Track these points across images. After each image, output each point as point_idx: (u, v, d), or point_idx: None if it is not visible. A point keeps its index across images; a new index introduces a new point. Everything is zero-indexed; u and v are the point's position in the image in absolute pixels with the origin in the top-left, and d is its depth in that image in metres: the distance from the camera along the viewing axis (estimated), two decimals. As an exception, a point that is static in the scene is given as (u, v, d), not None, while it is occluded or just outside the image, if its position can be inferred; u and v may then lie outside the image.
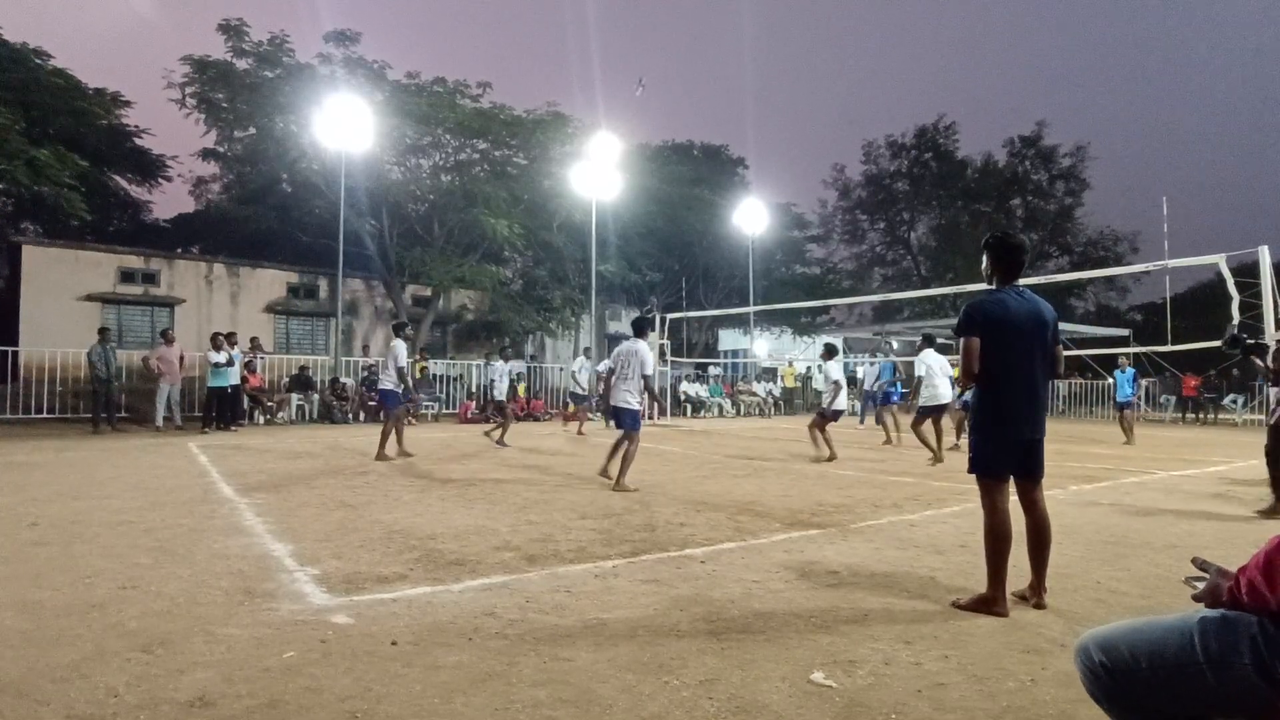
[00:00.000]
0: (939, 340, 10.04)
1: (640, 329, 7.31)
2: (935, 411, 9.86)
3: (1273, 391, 6.38)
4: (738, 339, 31.69)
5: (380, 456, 8.91)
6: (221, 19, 19.23)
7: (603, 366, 15.34)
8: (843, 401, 10.23)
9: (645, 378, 6.99)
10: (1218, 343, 7.59)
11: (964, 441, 9.14)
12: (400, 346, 9.30)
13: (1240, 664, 1.37)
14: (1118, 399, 14.15)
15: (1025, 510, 3.51)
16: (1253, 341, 6.49)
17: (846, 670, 2.68)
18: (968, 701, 2.45)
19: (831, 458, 9.67)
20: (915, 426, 9.92)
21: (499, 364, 11.89)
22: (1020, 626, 3.20)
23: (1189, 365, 21.51)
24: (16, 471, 7.50)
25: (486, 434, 11.44)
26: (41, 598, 3.37)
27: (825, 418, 10.08)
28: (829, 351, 10.54)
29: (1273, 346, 6.70)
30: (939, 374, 9.87)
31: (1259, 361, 6.64)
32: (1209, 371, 22.46)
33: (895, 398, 14.73)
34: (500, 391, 11.78)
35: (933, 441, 9.60)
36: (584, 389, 15.44)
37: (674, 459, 9.80)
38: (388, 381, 9.33)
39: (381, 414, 9.41)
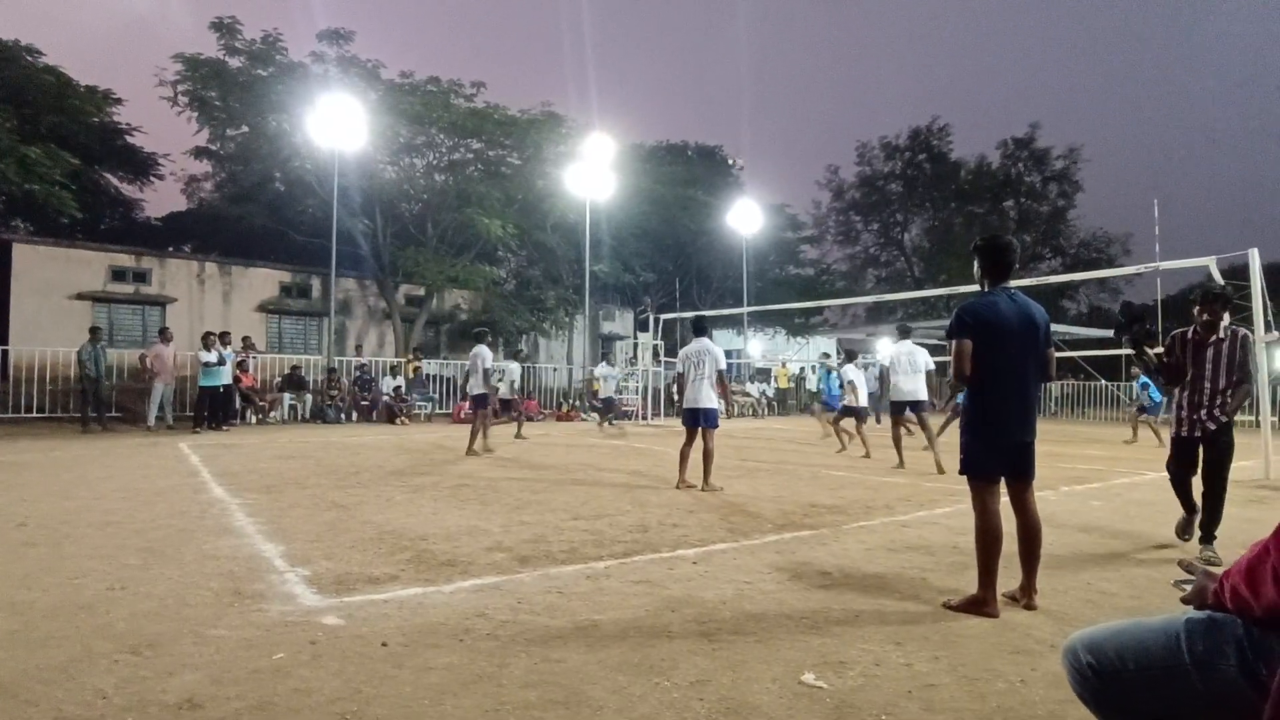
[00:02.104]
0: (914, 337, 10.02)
1: (703, 329, 7.44)
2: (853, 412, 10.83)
3: (1178, 395, 4.91)
4: (731, 339, 31.71)
5: (470, 451, 9.84)
6: (214, 17, 19.16)
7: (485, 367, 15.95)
8: (859, 399, 10.90)
9: (720, 373, 7.11)
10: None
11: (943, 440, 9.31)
12: (485, 352, 10.28)
13: (1226, 666, 1.38)
14: (1144, 404, 13.88)
15: (1016, 511, 3.53)
16: (1150, 328, 4.90)
17: (837, 671, 2.69)
18: (958, 702, 2.46)
19: (841, 449, 10.64)
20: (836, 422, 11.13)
21: (488, 351, 11.96)
22: (1010, 627, 3.21)
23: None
24: (5, 471, 7.45)
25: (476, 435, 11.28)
26: (30, 598, 3.35)
27: (843, 414, 11.10)
28: (849, 356, 11.70)
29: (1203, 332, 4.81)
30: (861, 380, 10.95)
31: (1150, 352, 4.87)
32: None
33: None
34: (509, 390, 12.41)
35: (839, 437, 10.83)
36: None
37: (667, 459, 9.81)
38: (476, 386, 10.26)
39: (474, 413, 10.62)
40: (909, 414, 9.57)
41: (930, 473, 8.41)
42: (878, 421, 15.37)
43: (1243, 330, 4.83)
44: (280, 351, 19.88)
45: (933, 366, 9.21)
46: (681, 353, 7.50)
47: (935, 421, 10.01)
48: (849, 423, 10.86)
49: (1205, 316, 4.76)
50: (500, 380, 12.11)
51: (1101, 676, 1.54)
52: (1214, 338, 4.76)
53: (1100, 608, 3.51)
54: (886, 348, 9.83)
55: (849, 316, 37.61)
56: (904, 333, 9.67)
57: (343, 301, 22.55)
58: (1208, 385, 4.75)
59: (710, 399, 7.11)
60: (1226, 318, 5.12)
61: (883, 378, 15.82)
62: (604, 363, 20.02)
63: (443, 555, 4.28)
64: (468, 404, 11.11)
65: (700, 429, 7.13)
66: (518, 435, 12.66)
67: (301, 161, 20.49)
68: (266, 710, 2.30)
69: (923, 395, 8.95)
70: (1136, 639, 1.51)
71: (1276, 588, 1.31)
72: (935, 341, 28.21)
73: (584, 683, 2.55)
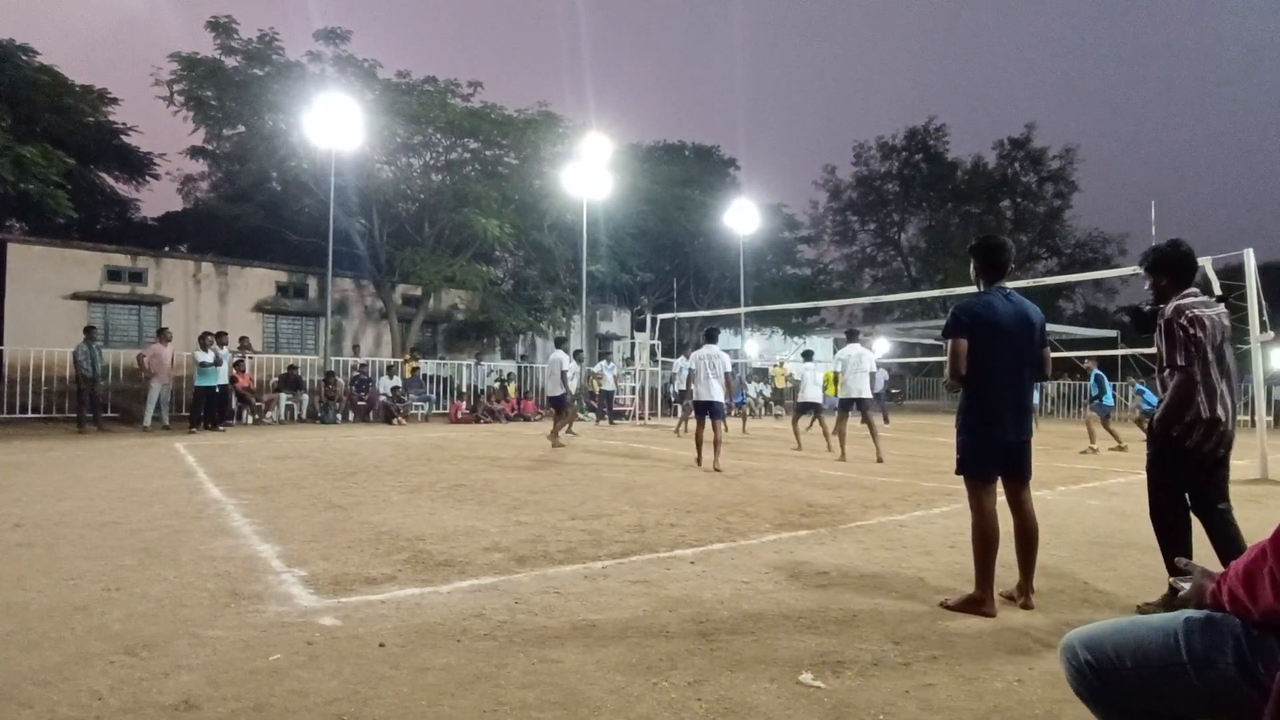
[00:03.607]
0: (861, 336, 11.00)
1: (714, 337, 8.98)
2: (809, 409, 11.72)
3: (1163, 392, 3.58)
4: (729, 340, 31.78)
5: (555, 445, 10.84)
6: (210, 16, 19.12)
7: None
8: (810, 395, 11.78)
9: (727, 374, 8.63)
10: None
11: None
12: (564, 357, 11.38)
13: (1224, 664, 1.38)
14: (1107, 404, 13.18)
15: (1012, 511, 3.53)
16: (1150, 307, 3.84)
17: (835, 671, 2.69)
18: (955, 701, 2.46)
19: (798, 446, 11.29)
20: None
21: (565, 356, 12.11)
22: (1008, 627, 3.22)
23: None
24: (0, 472, 7.42)
25: (555, 432, 11.75)
26: (25, 599, 3.34)
27: (798, 412, 12.01)
28: (806, 356, 12.87)
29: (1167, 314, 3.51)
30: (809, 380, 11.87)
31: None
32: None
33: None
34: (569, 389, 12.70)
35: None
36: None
37: (664, 459, 9.81)
38: (555, 388, 11.35)
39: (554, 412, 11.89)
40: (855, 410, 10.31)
41: (926, 472, 8.44)
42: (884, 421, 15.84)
43: (1171, 306, 3.50)
44: (277, 351, 19.85)
45: (875, 368, 10.59)
46: (694, 355, 9.04)
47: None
48: (803, 420, 11.88)
49: (1148, 286, 3.70)
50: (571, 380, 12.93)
51: (1099, 674, 1.54)
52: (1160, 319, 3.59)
53: (1097, 607, 3.51)
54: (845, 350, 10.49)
55: (846, 316, 37.66)
56: (851, 336, 10.65)
57: (339, 301, 22.53)
58: (1158, 382, 3.68)
59: (719, 394, 8.56)
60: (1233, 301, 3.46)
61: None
62: (603, 361, 20.12)
63: (440, 556, 4.27)
64: (548, 404, 12.47)
65: (711, 419, 8.56)
66: (568, 429, 13.41)
67: (298, 161, 20.45)
68: (263, 711, 2.29)
69: (868, 393, 10.07)
70: (1135, 637, 1.51)
71: (1275, 594, 1.31)
72: (931, 341, 28.31)
73: (582, 683, 2.54)
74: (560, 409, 11.51)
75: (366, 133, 18.60)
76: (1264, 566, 1.34)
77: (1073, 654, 1.60)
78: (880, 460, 9.42)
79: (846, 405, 10.08)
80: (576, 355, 15.85)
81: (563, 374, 11.21)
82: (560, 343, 12.32)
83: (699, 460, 8.59)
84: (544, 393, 12.90)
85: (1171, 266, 3.56)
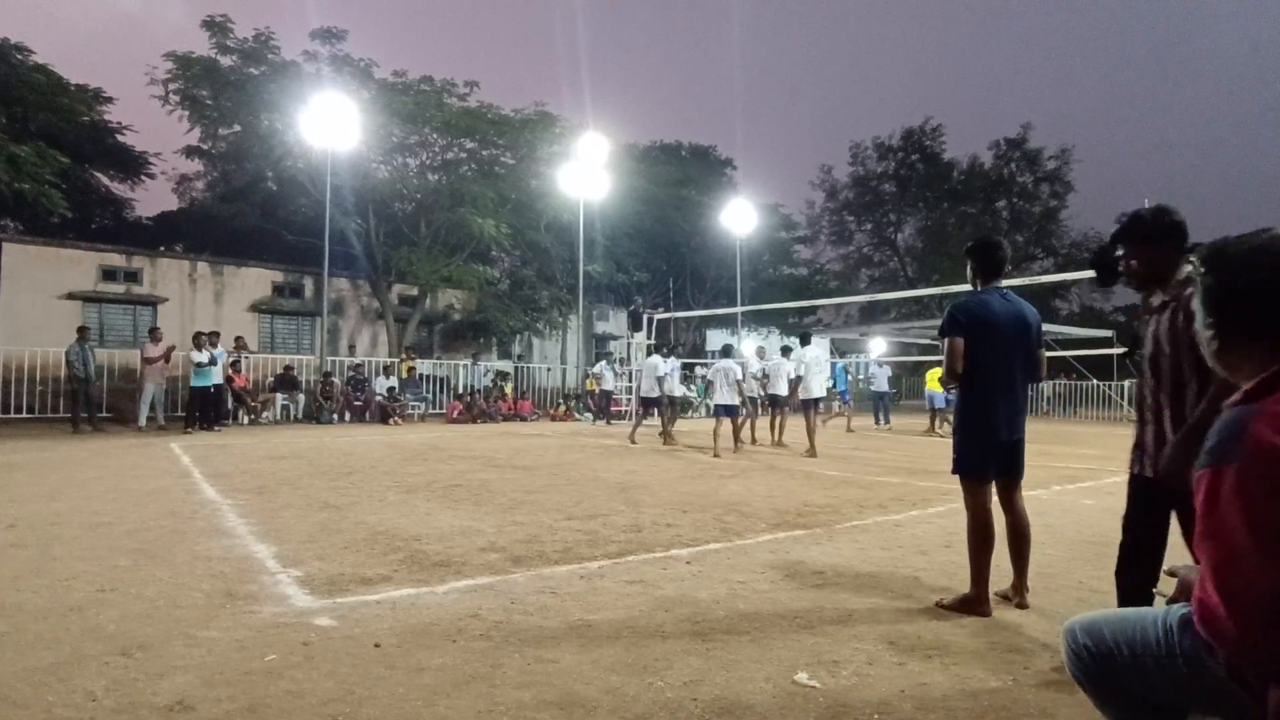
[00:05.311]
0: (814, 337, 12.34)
1: (729, 352, 11.00)
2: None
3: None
4: (725, 339, 31.78)
5: (668, 441, 11.93)
6: (206, 15, 19.07)
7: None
8: (779, 389, 12.51)
9: (739, 383, 10.45)
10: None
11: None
12: (659, 361, 12.33)
13: (1214, 664, 1.38)
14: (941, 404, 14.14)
15: (1005, 510, 3.54)
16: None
17: (830, 670, 2.69)
18: (950, 701, 2.47)
19: (753, 441, 11.93)
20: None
21: (660, 360, 12.54)
22: (1003, 626, 3.23)
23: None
24: (-6, 472, 7.40)
25: (661, 433, 12.47)
26: (19, 600, 3.33)
27: (770, 404, 12.76)
28: (785, 351, 13.24)
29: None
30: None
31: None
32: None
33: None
34: (668, 389, 12.87)
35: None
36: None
37: (661, 459, 9.81)
38: (649, 390, 12.17)
39: (656, 412, 12.80)
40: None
41: (922, 472, 8.46)
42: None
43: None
44: (273, 351, 19.79)
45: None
46: (713, 367, 11.08)
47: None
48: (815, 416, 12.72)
49: (1132, 263, 2.65)
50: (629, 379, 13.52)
51: (1097, 660, 1.56)
52: (1159, 299, 2.61)
53: (1092, 606, 3.51)
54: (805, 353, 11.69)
55: (842, 316, 37.72)
56: (805, 340, 11.75)
57: (336, 301, 22.47)
58: (1147, 392, 2.65)
59: (732, 398, 10.45)
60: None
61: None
62: (601, 361, 20.13)
63: (436, 556, 4.27)
64: (641, 405, 13.17)
65: (722, 418, 10.47)
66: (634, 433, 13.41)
67: (294, 161, 20.42)
68: (258, 712, 2.29)
69: (823, 393, 11.52)
70: (1133, 626, 1.53)
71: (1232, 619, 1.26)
72: (928, 341, 28.40)
73: (578, 683, 2.54)
74: (656, 409, 12.48)
75: (362, 132, 18.57)
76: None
77: (1073, 638, 1.62)
78: (813, 454, 10.22)
79: (808, 404, 11.20)
80: (662, 351, 15.09)
81: (659, 379, 12.01)
82: (657, 348, 13.34)
83: (716, 454, 9.96)
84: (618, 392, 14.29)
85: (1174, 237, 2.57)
